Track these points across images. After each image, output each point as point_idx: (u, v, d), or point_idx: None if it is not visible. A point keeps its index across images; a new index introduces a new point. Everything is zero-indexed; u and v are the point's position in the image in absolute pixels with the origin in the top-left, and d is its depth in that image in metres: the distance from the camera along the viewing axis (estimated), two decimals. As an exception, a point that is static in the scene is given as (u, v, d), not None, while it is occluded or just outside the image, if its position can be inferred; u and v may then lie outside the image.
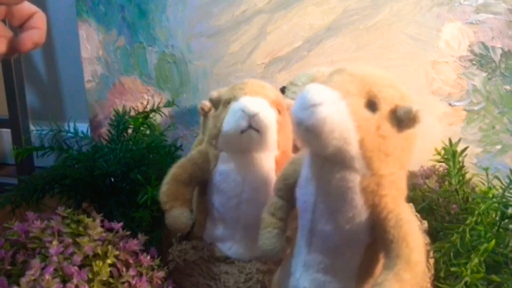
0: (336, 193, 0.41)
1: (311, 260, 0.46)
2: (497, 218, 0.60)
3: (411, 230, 0.40)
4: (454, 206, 0.62)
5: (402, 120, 0.39)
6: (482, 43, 0.79)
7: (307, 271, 0.46)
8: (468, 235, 0.55)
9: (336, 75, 0.41)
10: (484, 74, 0.80)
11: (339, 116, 0.38)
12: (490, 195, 0.61)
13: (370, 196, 0.41)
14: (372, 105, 0.39)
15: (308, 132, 0.38)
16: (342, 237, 0.43)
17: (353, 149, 0.38)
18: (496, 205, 0.59)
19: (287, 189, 0.49)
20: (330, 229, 0.43)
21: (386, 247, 0.41)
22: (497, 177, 0.63)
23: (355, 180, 0.40)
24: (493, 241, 0.53)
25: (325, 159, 0.40)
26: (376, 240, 0.42)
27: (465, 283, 0.51)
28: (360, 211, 0.41)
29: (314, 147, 0.41)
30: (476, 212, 0.57)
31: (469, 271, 0.52)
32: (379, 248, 0.43)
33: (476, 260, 0.53)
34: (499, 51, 0.79)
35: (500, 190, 0.61)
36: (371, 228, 0.42)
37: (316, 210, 0.43)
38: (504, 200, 0.60)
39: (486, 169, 0.69)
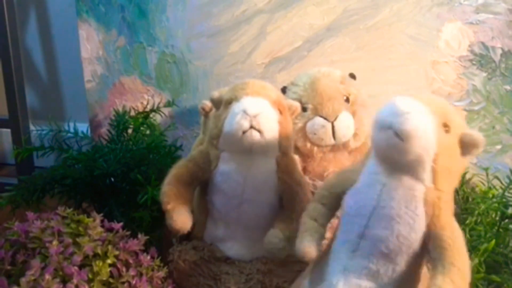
0: (401, 199, 0.44)
1: (353, 265, 0.47)
2: (497, 218, 0.60)
3: (462, 243, 0.45)
4: (454, 206, 0.62)
5: (466, 145, 0.44)
6: (482, 43, 0.79)
7: (347, 276, 0.47)
8: (468, 235, 0.55)
9: (417, 95, 0.45)
10: (484, 74, 0.80)
11: (427, 127, 0.42)
12: (490, 195, 0.61)
13: (431, 207, 0.44)
14: (446, 127, 0.44)
15: (398, 136, 0.41)
16: (397, 243, 0.45)
17: (429, 161, 0.43)
18: (496, 205, 0.59)
19: (332, 198, 0.51)
20: (387, 234, 0.45)
21: (440, 255, 0.44)
22: (497, 177, 0.63)
23: (421, 190, 0.44)
24: (493, 241, 0.54)
25: (398, 167, 0.44)
26: (425, 251, 0.45)
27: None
28: (420, 220, 0.44)
29: (396, 152, 0.43)
30: (476, 212, 0.57)
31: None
32: (424, 260, 0.47)
33: (476, 260, 0.53)
34: (499, 51, 0.79)
35: (500, 190, 0.61)
36: (425, 238, 0.45)
37: (374, 215, 0.46)
38: (504, 200, 0.60)
39: (486, 169, 0.69)
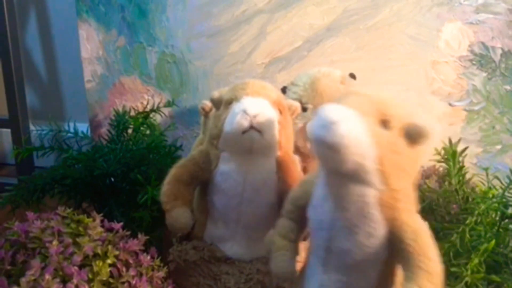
0: (354, 208, 0.42)
1: (327, 279, 0.46)
2: (497, 218, 0.60)
3: (428, 242, 0.42)
4: (454, 206, 0.62)
5: (413, 136, 0.41)
6: (482, 43, 0.79)
7: None
8: (468, 235, 0.55)
9: (348, 97, 0.43)
10: (484, 74, 0.80)
11: (357, 132, 0.39)
12: (490, 195, 0.61)
13: (387, 210, 0.42)
14: (385, 123, 0.41)
15: (329, 149, 0.39)
16: (361, 253, 0.43)
17: (371, 164, 0.40)
18: (496, 205, 0.59)
19: (298, 211, 0.49)
20: (349, 246, 0.43)
21: (406, 259, 0.42)
22: (497, 177, 0.63)
23: (372, 195, 0.41)
24: (493, 241, 0.53)
25: (342, 176, 0.41)
26: (393, 255, 0.44)
27: (465, 283, 0.51)
28: (379, 226, 0.42)
29: (334, 164, 0.41)
30: (476, 212, 0.57)
31: (469, 271, 0.52)
32: (395, 264, 0.44)
33: (476, 260, 0.53)
34: (499, 51, 0.79)
35: (500, 190, 0.61)
36: (389, 242, 0.43)
37: (334, 228, 0.44)
38: (504, 200, 0.60)
39: (486, 169, 0.69)
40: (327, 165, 0.42)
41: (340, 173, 0.41)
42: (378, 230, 0.42)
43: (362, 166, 0.40)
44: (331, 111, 0.40)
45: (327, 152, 0.40)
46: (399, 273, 0.45)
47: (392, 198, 0.42)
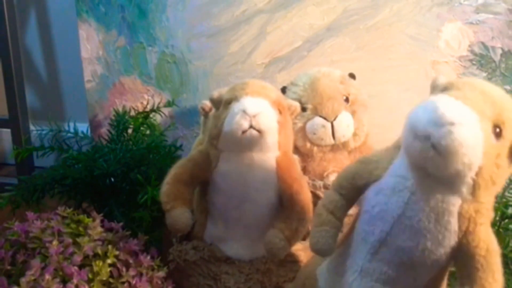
0: (432, 213, 0.39)
1: (371, 268, 0.43)
2: (497, 218, 0.60)
3: (498, 263, 0.40)
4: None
5: None
6: (482, 43, 0.79)
7: (363, 278, 0.44)
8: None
9: (468, 90, 0.38)
10: (484, 74, 0.80)
11: (475, 141, 0.35)
12: (490, 195, 0.61)
13: (466, 222, 0.39)
14: (497, 131, 0.37)
15: (436, 149, 0.35)
16: (421, 256, 0.41)
17: (471, 175, 0.37)
18: (496, 205, 0.59)
19: (353, 189, 0.46)
20: (410, 246, 0.41)
21: (471, 274, 0.40)
22: (497, 177, 0.63)
23: (456, 203, 0.38)
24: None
25: (429, 177, 0.38)
26: (454, 264, 0.42)
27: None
28: (451, 236, 0.40)
29: (431, 166, 0.37)
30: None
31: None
32: (447, 270, 0.43)
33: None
34: (499, 51, 0.79)
35: (500, 190, 0.61)
36: (457, 252, 0.40)
37: (399, 224, 0.41)
38: (504, 200, 0.60)
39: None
40: (422, 164, 0.38)
41: (432, 175, 0.38)
42: (448, 239, 0.40)
43: (461, 175, 0.36)
44: (451, 109, 0.34)
45: (430, 153, 0.35)
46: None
47: (474, 210, 0.39)
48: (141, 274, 0.51)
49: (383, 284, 0.43)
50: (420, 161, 0.38)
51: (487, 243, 0.40)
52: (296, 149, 0.69)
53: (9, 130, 1.07)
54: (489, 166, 0.37)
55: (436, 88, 0.43)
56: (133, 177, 0.69)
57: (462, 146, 0.34)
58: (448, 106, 0.35)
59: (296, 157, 0.64)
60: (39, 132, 0.78)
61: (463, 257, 0.40)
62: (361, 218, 0.45)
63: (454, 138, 0.34)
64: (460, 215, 0.39)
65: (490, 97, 0.37)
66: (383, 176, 0.43)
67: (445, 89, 0.39)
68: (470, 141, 0.34)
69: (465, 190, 0.38)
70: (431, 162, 0.36)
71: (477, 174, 0.37)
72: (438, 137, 0.34)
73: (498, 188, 0.40)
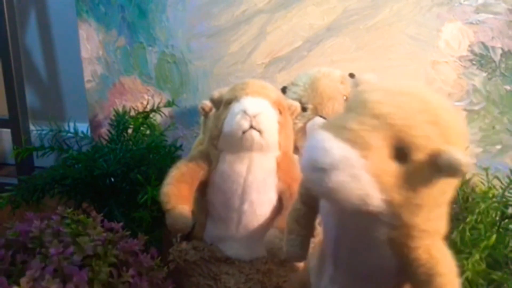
0: (360, 241, 0.37)
1: (337, 277, 0.43)
2: (497, 218, 0.60)
3: (445, 285, 0.36)
4: (454, 205, 0.62)
5: (442, 169, 0.31)
6: (482, 43, 0.79)
7: (333, 285, 0.43)
8: (468, 234, 0.55)
9: (357, 115, 0.33)
10: (484, 74, 0.80)
11: (355, 183, 0.31)
12: (490, 195, 0.61)
13: (399, 247, 0.36)
14: (401, 154, 0.32)
15: (319, 194, 0.33)
16: (368, 274, 0.39)
17: (378, 207, 0.33)
18: (496, 205, 0.59)
19: (310, 197, 0.44)
20: (356, 265, 0.39)
21: None
22: (497, 177, 0.63)
23: (381, 231, 0.35)
24: (494, 237, 0.53)
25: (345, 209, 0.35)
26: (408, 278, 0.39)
27: (466, 278, 0.51)
28: (389, 259, 0.37)
29: (332, 203, 0.35)
30: (477, 211, 0.57)
31: (470, 266, 0.52)
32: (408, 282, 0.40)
33: (477, 256, 0.53)
34: (499, 51, 0.79)
35: (500, 190, 0.61)
36: (400, 272, 0.38)
37: (339, 244, 0.40)
38: (504, 200, 0.60)
39: (486, 169, 0.69)
40: (326, 201, 0.36)
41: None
42: (389, 262, 0.37)
43: (365, 209, 0.33)
44: (322, 152, 0.31)
45: (319, 194, 0.34)
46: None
47: (405, 235, 0.35)
48: (141, 274, 0.51)
49: None
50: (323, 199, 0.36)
51: (427, 266, 0.36)
52: (296, 149, 0.69)
53: (9, 130, 1.07)
54: (399, 195, 0.32)
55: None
56: (133, 177, 0.69)
57: (337, 192, 0.31)
58: (321, 149, 0.31)
59: (296, 157, 0.64)
60: (39, 132, 0.78)
61: (409, 278, 0.37)
62: (322, 228, 0.44)
63: (326, 185, 0.31)
64: (390, 241, 0.35)
65: (385, 118, 0.32)
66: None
67: (348, 108, 0.35)
68: (347, 185, 0.31)
69: (385, 219, 0.34)
70: (329, 201, 0.34)
71: (387, 205, 0.33)
72: (313, 183, 0.32)
73: (436, 205, 0.35)
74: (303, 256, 0.46)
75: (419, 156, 0.32)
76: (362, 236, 0.37)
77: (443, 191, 0.34)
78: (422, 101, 0.33)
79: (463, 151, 0.32)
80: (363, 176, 0.31)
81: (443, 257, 0.37)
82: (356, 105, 0.34)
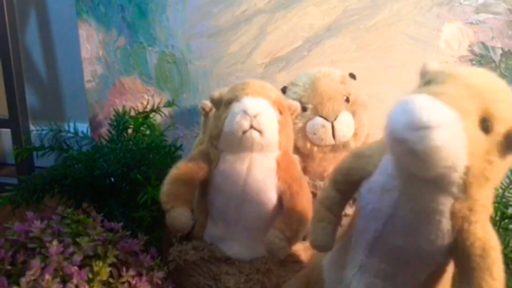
0: (422, 213, 0.38)
1: (369, 264, 0.43)
2: (497, 218, 0.60)
3: (497, 260, 0.38)
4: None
5: None
6: (482, 43, 0.79)
7: (362, 273, 0.43)
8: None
9: (450, 84, 0.35)
10: (484, 74, 0.80)
11: (455, 143, 0.33)
12: (490, 195, 0.61)
13: (459, 221, 0.38)
14: (486, 125, 0.34)
15: (413, 155, 0.33)
16: (416, 255, 0.40)
17: (458, 175, 0.35)
18: (496, 205, 0.59)
19: (347, 184, 0.44)
20: (403, 244, 0.40)
21: (468, 273, 0.38)
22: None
23: (447, 203, 0.37)
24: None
25: (419, 179, 0.36)
26: (453, 262, 0.40)
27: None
28: (445, 235, 0.38)
29: (414, 168, 0.35)
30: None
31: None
32: (447, 267, 0.42)
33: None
34: (499, 51, 0.79)
35: (500, 190, 0.61)
36: (452, 250, 0.39)
37: (390, 223, 0.40)
38: (504, 200, 0.60)
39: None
40: (404, 166, 0.36)
41: (418, 177, 0.36)
42: (442, 239, 0.38)
43: (446, 176, 0.34)
44: (427, 110, 0.32)
45: (410, 158, 0.34)
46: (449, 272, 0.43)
47: (468, 208, 0.37)
48: (141, 274, 0.51)
49: (383, 280, 0.42)
50: (402, 163, 0.37)
51: (483, 241, 0.38)
52: (296, 149, 0.69)
53: (9, 130, 1.07)
54: (479, 164, 0.35)
55: (424, 77, 0.41)
56: (133, 177, 0.69)
57: (440, 150, 0.32)
58: (424, 108, 0.32)
59: (296, 157, 0.64)
60: (39, 132, 0.78)
61: (459, 256, 0.39)
62: (358, 214, 0.44)
63: (430, 142, 0.32)
64: (452, 214, 0.37)
65: (476, 89, 0.35)
66: (374, 172, 0.41)
67: (429, 81, 0.38)
68: (449, 144, 0.32)
69: (455, 189, 0.36)
70: (411, 165, 0.35)
71: (466, 173, 0.35)
72: (413, 142, 0.32)
73: (494, 183, 0.38)
74: (331, 246, 0.46)
75: (501, 129, 0.34)
76: (424, 211, 0.37)
77: (505, 169, 0.37)
78: (500, 82, 0.37)
79: None
80: (462, 138, 0.33)
81: (493, 233, 0.39)
82: (445, 79, 0.36)
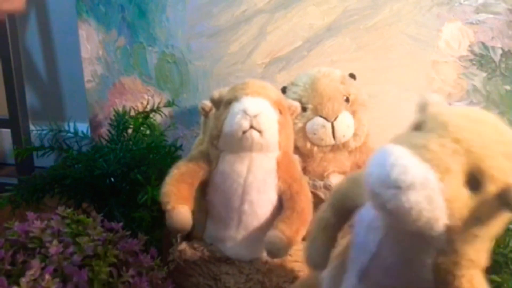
0: (404, 259, 0.36)
1: None
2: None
3: None
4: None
5: (510, 204, 0.31)
6: (482, 43, 0.79)
7: None
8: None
9: (437, 136, 0.32)
10: (484, 74, 0.80)
11: (429, 206, 0.30)
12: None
13: (443, 273, 0.35)
14: (474, 183, 0.31)
15: (386, 210, 0.32)
16: None
17: (438, 233, 0.32)
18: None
19: (343, 209, 0.43)
20: (388, 284, 0.38)
21: None
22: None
23: (430, 254, 0.35)
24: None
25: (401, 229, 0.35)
26: None
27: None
28: (427, 284, 0.36)
29: (393, 223, 0.34)
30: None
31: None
32: None
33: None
34: (499, 51, 0.79)
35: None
36: None
37: (375, 261, 0.39)
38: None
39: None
40: (384, 219, 0.35)
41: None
42: (424, 286, 0.36)
43: (424, 233, 0.32)
44: (400, 169, 0.30)
45: (384, 212, 0.32)
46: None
47: (453, 263, 0.35)
48: (141, 274, 0.51)
49: None
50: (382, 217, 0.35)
51: None
52: (297, 149, 0.69)
53: (9, 130, 1.07)
54: (464, 223, 0.32)
55: (420, 111, 0.38)
56: (133, 177, 0.69)
57: (410, 212, 0.30)
58: (397, 165, 0.30)
59: (296, 157, 0.64)
60: (39, 132, 0.78)
61: None
62: (352, 239, 0.43)
63: (399, 203, 0.30)
64: (436, 265, 0.35)
65: (465, 144, 0.31)
66: (365, 205, 0.40)
67: (420, 124, 0.35)
68: (422, 206, 0.30)
69: (437, 243, 0.34)
70: (386, 218, 0.34)
71: (448, 232, 0.32)
72: (384, 199, 0.31)
73: (489, 238, 0.35)
74: (324, 266, 0.45)
75: (491, 187, 0.31)
76: (406, 257, 0.36)
77: (500, 225, 0.34)
78: (499, 132, 0.33)
79: None
80: (438, 199, 0.31)
81: (483, 286, 0.37)
82: (435, 126, 0.33)
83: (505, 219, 0.34)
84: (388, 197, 0.30)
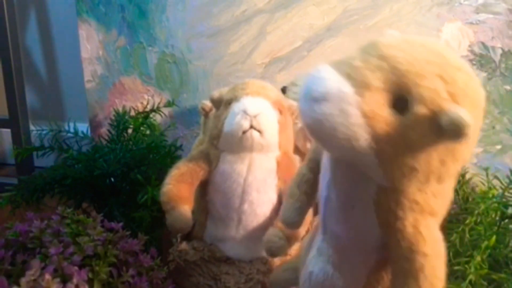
0: (346, 197, 0.35)
1: (323, 248, 0.41)
2: (497, 218, 0.60)
3: (427, 268, 0.32)
4: (454, 206, 0.62)
5: (443, 129, 0.28)
6: (482, 43, 0.79)
7: (318, 256, 0.41)
8: (467, 235, 0.55)
9: (364, 53, 0.32)
10: (484, 74, 0.80)
11: (343, 119, 0.29)
12: (490, 195, 0.61)
13: (384, 214, 0.33)
14: (401, 104, 0.29)
15: (308, 128, 0.31)
16: (353, 246, 0.37)
17: (366, 158, 0.30)
18: (496, 205, 0.59)
19: (317, 162, 0.41)
20: (340, 232, 0.37)
21: (394, 275, 0.34)
22: (497, 177, 0.63)
23: (369, 190, 0.33)
24: (494, 238, 0.53)
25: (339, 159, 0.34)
26: (387, 261, 0.36)
27: (470, 281, 0.51)
28: (372, 226, 0.34)
29: (323, 145, 0.33)
30: (476, 212, 0.57)
31: (472, 269, 0.52)
32: (389, 269, 0.37)
33: (478, 258, 0.52)
34: (499, 51, 0.79)
35: (500, 190, 0.61)
36: (383, 247, 0.35)
37: (326, 206, 0.38)
38: (504, 200, 0.60)
39: (486, 169, 0.69)
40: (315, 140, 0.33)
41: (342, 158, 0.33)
42: (370, 230, 0.34)
43: (351, 149, 0.30)
44: (317, 81, 0.30)
45: (309, 132, 0.32)
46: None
47: (394, 201, 0.32)
48: (141, 274, 0.51)
49: (333, 268, 0.39)
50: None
51: (412, 241, 0.32)
52: (297, 149, 0.69)
53: (9, 130, 1.07)
54: (392, 148, 0.30)
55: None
56: (133, 177, 0.69)
57: (323, 124, 0.29)
58: (316, 79, 0.30)
59: (296, 157, 0.64)
60: (39, 132, 0.78)
61: (389, 255, 0.34)
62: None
63: (313, 115, 0.29)
64: (376, 204, 0.33)
65: (391, 61, 0.30)
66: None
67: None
68: (334, 119, 0.29)
69: (374, 175, 0.32)
70: (310, 134, 0.32)
71: (378, 157, 0.30)
72: (304, 113, 0.30)
73: (433, 174, 0.31)
74: (297, 223, 0.44)
75: (421, 109, 0.29)
76: (350, 194, 0.34)
77: (443, 161, 0.31)
78: (437, 55, 0.31)
79: (470, 115, 0.28)
80: (353, 113, 0.29)
81: (431, 237, 0.33)
82: (366, 46, 0.33)
83: (451, 152, 0.31)
84: (305, 110, 0.30)
